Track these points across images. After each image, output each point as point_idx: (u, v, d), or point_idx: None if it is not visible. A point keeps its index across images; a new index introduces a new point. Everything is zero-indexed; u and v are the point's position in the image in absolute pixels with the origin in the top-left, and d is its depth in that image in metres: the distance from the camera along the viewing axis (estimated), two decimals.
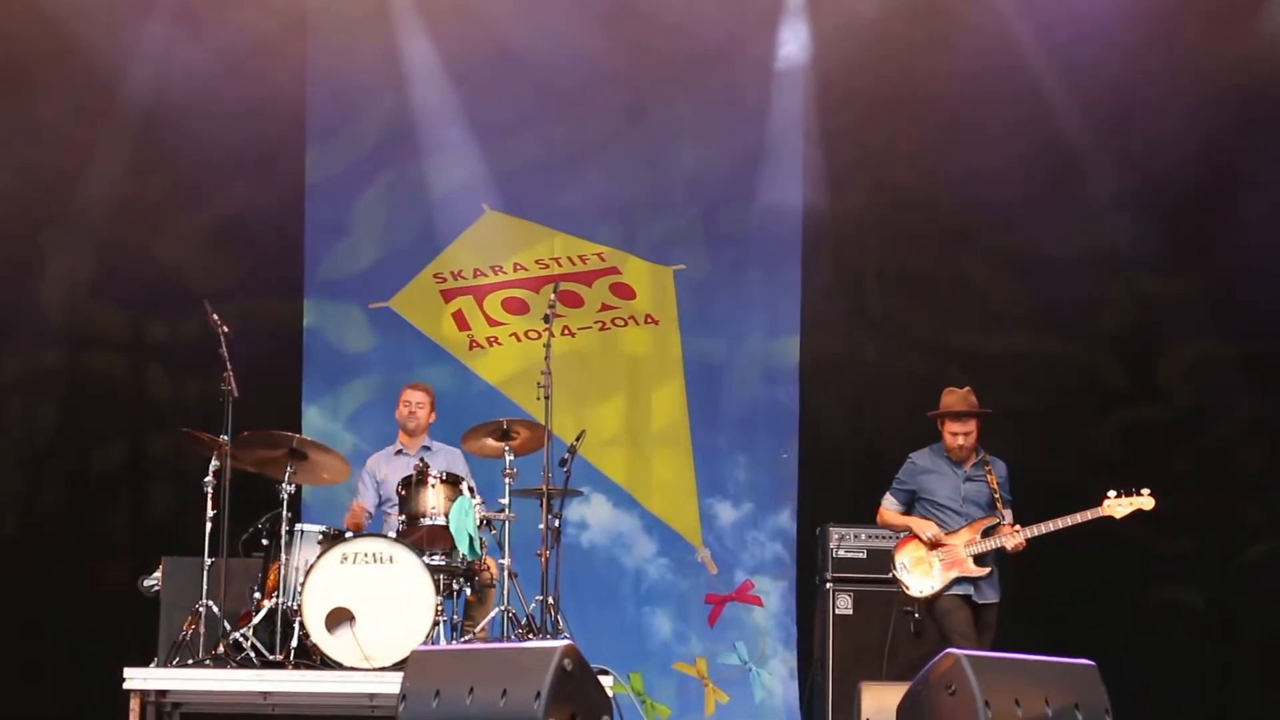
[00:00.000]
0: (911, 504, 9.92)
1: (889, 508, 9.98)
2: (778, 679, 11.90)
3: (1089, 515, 9.59)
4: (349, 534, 9.58)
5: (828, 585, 10.99)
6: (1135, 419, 11.84)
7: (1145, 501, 9.59)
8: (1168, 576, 11.65)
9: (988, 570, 9.63)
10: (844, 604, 10.92)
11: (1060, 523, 9.56)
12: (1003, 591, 9.75)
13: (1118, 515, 9.61)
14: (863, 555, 10.94)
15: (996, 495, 9.72)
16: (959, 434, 9.80)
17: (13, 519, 11.78)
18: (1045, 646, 7.82)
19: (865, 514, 10.46)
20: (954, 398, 9.90)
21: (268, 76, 11.77)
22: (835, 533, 11.05)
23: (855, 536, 10.99)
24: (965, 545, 9.62)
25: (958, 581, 9.62)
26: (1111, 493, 9.58)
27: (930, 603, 9.65)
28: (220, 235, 11.87)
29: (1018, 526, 9.63)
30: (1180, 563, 11.64)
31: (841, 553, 11.01)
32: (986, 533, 9.65)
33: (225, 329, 9.80)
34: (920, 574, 9.74)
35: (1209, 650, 11.72)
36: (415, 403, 10.65)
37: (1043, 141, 11.81)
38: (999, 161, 11.67)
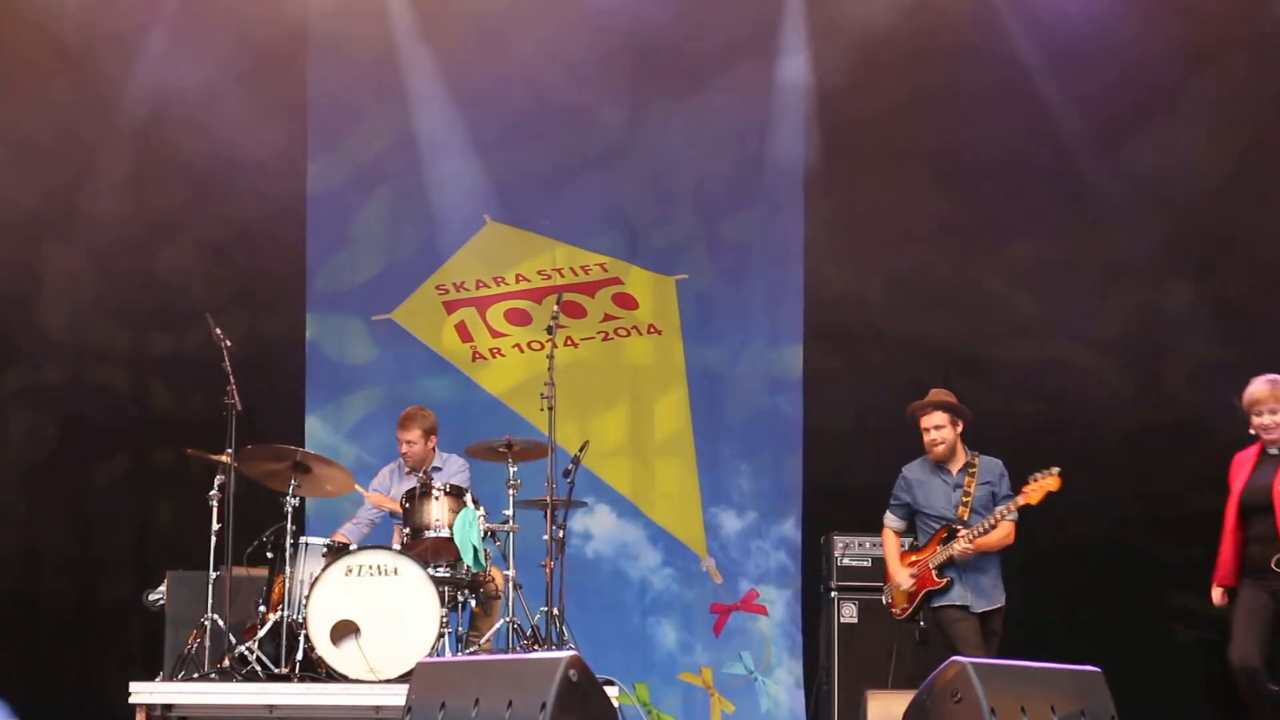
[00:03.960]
0: (911, 518, 9.89)
1: (890, 527, 9.91)
2: (783, 688, 11.89)
3: (1013, 507, 9.47)
4: (353, 547, 9.58)
5: (833, 594, 10.98)
6: (1140, 425, 11.83)
7: (1051, 482, 9.37)
8: (1173, 582, 11.63)
9: (947, 580, 9.55)
10: (849, 612, 10.91)
11: (993, 519, 9.47)
12: (1007, 597, 9.70)
13: (1034, 501, 9.42)
14: (867, 564, 10.92)
15: (968, 499, 9.65)
16: (929, 429, 9.74)
17: (17, 534, 11.77)
18: (1051, 653, 7.81)
19: (870, 522, 10.43)
20: (933, 394, 9.88)
21: (268, 89, 11.79)
22: (840, 541, 11.04)
23: (860, 545, 10.97)
24: (930, 559, 9.61)
25: (933, 595, 9.58)
26: (1030, 479, 9.44)
27: (935, 613, 9.62)
28: (221, 248, 11.87)
29: (973, 530, 9.52)
30: (1185, 569, 11.62)
31: (846, 561, 11.00)
32: (946, 540, 9.59)
33: (228, 342, 9.80)
34: (897, 595, 9.77)
35: (1215, 657, 11.68)
36: (406, 441, 10.55)
37: (1047, 148, 11.82)
38: (1003, 169, 11.69)
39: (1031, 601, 10.46)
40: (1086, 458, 11.62)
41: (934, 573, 9.56)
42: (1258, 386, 9.06)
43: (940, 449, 9.72)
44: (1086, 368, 12.04)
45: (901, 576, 9.69)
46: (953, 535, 9.54)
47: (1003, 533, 9.56)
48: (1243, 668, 8.72)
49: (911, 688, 7.70)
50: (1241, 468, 9.10)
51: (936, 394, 9.85)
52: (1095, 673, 7.17)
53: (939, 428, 9.72)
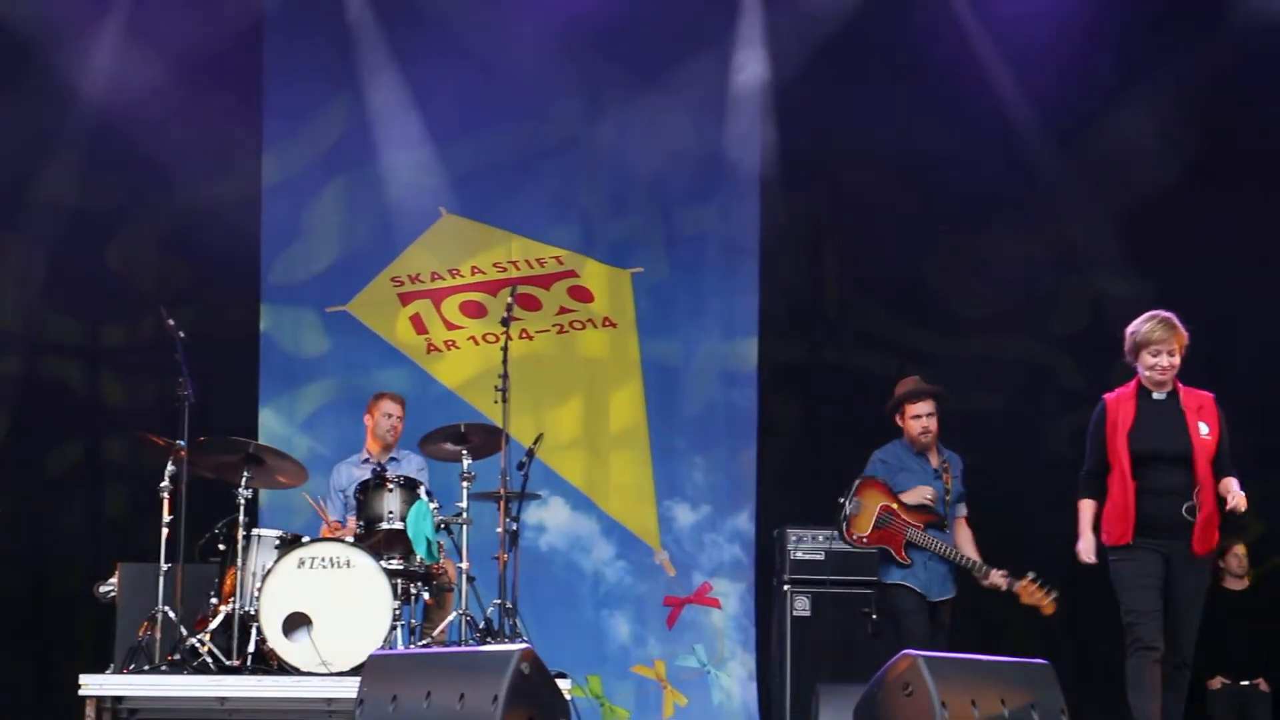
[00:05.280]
0: None
1: None
2: (736, 681, 11.91)
3: (1001, 583, 9.41)
4: (305, 539, 9.55)
5: (786, 587, 10.98)
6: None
7: (1047, 606, 9.36)
8: None
9: (910, 562, 9.53)
10: (802, 606, 10.92)
11: (971, 563, 9.52)
12: (959, 591, 9.72)
13: (1021, 599, 9.39)
14: (820, 557, 10.92)
15: (948, 495, 9.67)
16: (922, 416, 9.67)
17: None
18: (1002, 648, 7.84)
19: (824, 516, 10.43)
20: (910, 382, 9.85)
21: (223, 80, 11.76)
22: (793, 534, 11.03)
23: (813, 538, 10.97)
24: (909, 527, 9.55)
25: (890, 569, 9.54)
26: (1031, 574, 9.37)
27: (886, 590, 9.57)
28: (175, 240, 11.82)
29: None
30: None
31: (799, 555, 11.00)
32: (930, 527, 9.57)
33: (181, 334, 9.74)
34: (862, 520, 9.62)
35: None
36: (397, 416, 10.56)
37: (1001, 142, 11.87)
38: (957, 163, 11.72)
39: (983, 596, 10.47)
40: (1039, 453, 11.68)
41: (903, 547, 9.52)
42: (1153, 325, 8.33)
43: (928, 438, 9.69)
44: (1040, 362, 12.09)
45: (924, 490, 9.61)
46: (938, 526, 9.53)
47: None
48: (1154, 654, 8.28)
49: (863, 681, 7.72)
50: (1120, 412, 8.42)
51: (918, 383, 9.81)
52: (1045, 666, 7.20)
53: (930, 415, 9.68)
